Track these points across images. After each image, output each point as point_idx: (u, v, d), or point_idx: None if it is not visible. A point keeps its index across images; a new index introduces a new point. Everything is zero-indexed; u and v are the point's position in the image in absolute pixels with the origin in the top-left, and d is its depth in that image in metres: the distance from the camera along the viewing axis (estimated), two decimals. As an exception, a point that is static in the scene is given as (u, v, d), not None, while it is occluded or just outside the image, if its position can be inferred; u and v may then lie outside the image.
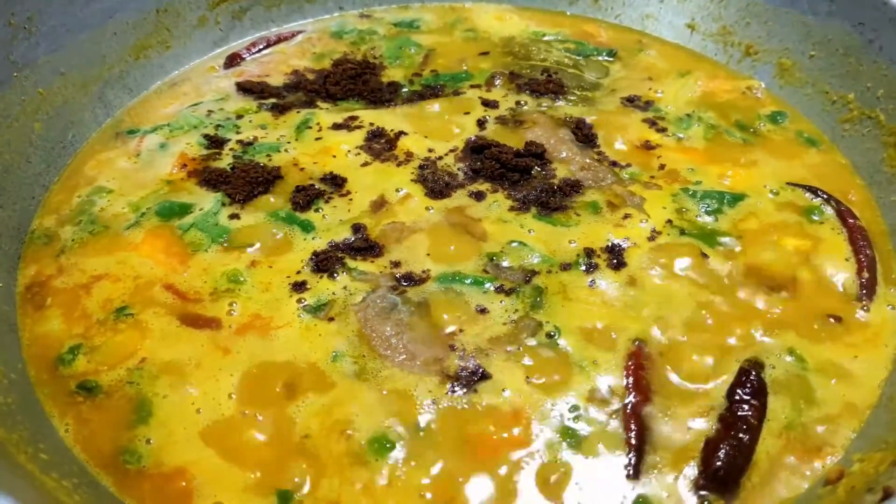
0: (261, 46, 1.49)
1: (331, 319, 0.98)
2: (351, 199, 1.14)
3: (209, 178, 1.17)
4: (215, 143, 1.24)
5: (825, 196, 1.16)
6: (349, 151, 1.22)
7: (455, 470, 0.85)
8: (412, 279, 1.03)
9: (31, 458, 0.82)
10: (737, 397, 0.90)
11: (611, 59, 1.48)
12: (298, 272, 1.04)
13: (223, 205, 1.13)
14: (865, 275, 1.05)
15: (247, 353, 0.95)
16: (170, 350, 0.96)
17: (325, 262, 1.05)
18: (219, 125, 1.28)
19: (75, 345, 0.97)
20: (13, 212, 1.12)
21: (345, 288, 1.02)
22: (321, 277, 1.03)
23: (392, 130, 1.26)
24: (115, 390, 0.92)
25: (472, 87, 1.38)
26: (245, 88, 1.37)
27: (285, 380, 0.93)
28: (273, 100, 1.35)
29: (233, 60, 1.46)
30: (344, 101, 1.35)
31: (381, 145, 1.23)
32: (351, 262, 1.05)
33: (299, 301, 1.00)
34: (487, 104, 1.33)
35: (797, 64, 1.35)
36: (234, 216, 1.11)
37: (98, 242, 1.09)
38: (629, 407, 0.90)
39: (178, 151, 1.22)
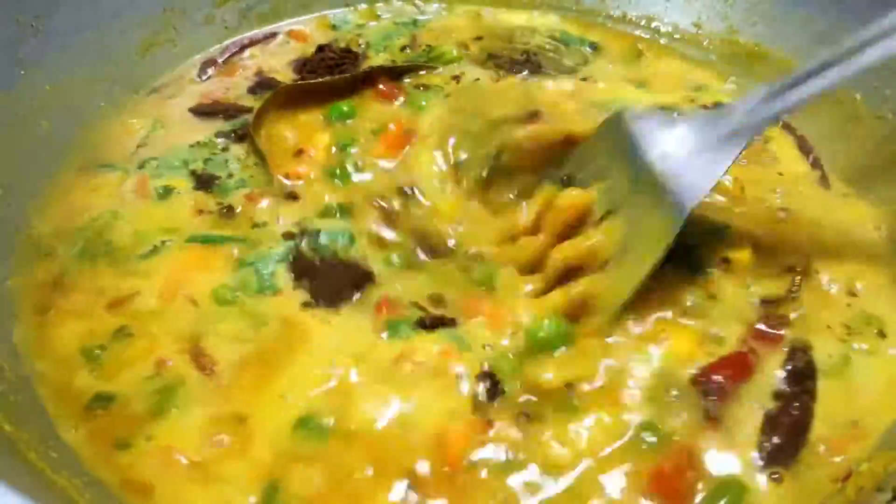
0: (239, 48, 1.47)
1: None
2: None
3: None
4: (203, 182, 1.17)
5: None
6: None
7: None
8: None
9: (42, 456, 0.82)
10: (789, 374, 0.93)
11: (592, 50, 1.49)
12: None
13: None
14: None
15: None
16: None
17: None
18: (207, 159, 1.21)
19: (83, 348, 0.96)
20: (21, 210, 1.11)
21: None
22: None
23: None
24: (122, 395, 0.92)
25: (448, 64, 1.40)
26: (202, 112, 1.31)
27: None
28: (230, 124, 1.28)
29: (207, 66, 1.42)
30: None
31: None
32: None
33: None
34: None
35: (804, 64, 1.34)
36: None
37: (103, 243, 1.09)
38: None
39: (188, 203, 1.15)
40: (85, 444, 0.88)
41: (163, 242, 1.08)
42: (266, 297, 1.01)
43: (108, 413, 0.90)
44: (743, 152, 0.96)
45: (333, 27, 1.54)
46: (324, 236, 1.07)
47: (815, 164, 1.24)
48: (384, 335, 0.96)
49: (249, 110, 1.30)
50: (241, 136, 1.25)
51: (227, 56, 1.45)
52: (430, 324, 0.98)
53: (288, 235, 1.09)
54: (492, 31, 1.54)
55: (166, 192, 1.15)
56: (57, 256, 1.07)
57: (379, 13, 1.59)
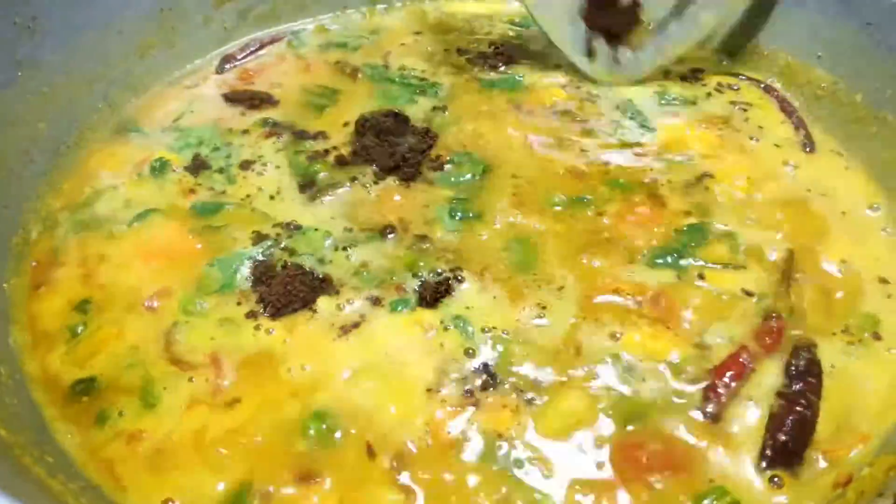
0: (253, 48, 1.48)
1: None
2: None
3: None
4: (197, 166, 1.20)
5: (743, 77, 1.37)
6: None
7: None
8: None
9: (37, 460, 0.82)
10: (793, 372, 0.93)
11: None
12: None
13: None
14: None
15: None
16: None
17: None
18: (216, 147, 1.24)
19: (69, 345, 0.97)
20: (16, 211, 1.12)
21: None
22: None
23: None
24: (109, 387, 0.93)
25: None
26: (231, 98, 1.34)
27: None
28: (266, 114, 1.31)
29: (226, 61, 1.45)
30: None
31: None
32: None
33: None
34: None
35: (804, 64, 1.34)
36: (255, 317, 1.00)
37: (97, 245, 1.09)
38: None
39: (178, 178, 1.19)
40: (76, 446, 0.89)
41: (147, 211, 1.12)
42: (223, 297, 1.02)
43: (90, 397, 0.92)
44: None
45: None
46: (302, 241, 1.07)
47: (798, 125, 1.28)
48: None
49: (275, 102, 1.33)
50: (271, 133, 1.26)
51: (245, 54, 1.47)
52: (431, 298, 0.98)
53: (258, 237, 1.08)
54: (447, 26, 1.50)
55: (162, 168, 1.20)
56: (54, 258, 1.09)
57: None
